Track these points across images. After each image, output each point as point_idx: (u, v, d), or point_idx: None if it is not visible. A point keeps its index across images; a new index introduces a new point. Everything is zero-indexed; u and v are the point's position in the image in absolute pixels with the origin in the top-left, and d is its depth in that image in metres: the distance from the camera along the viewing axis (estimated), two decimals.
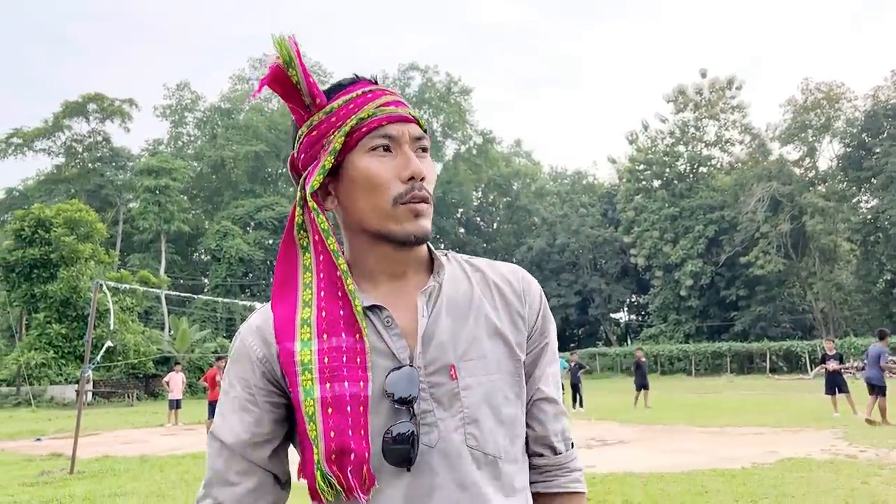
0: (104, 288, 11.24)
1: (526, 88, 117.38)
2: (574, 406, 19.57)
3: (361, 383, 1.08)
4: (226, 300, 31.76)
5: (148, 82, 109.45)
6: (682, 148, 53.85)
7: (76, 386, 35.19)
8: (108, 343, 12.45)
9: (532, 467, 1.23)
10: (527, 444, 1.22)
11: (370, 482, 1.07)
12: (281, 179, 62.27)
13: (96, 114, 56.65)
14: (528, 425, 1.22)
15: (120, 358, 33.43)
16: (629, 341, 54.65)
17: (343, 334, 1.10)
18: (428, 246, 1.23)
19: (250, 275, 52.50)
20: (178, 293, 34.83)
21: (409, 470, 1.09)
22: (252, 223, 54.81)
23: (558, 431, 1.24)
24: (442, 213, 64.45)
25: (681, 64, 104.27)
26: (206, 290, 52.44)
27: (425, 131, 1.18)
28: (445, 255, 1.27)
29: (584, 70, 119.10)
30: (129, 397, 34.71)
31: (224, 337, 45.92)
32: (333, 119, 1.14)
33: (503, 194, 66.86)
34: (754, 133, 51.90)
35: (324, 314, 1.11)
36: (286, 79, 1.12)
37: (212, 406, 14.47)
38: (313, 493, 1.10)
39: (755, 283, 47.88)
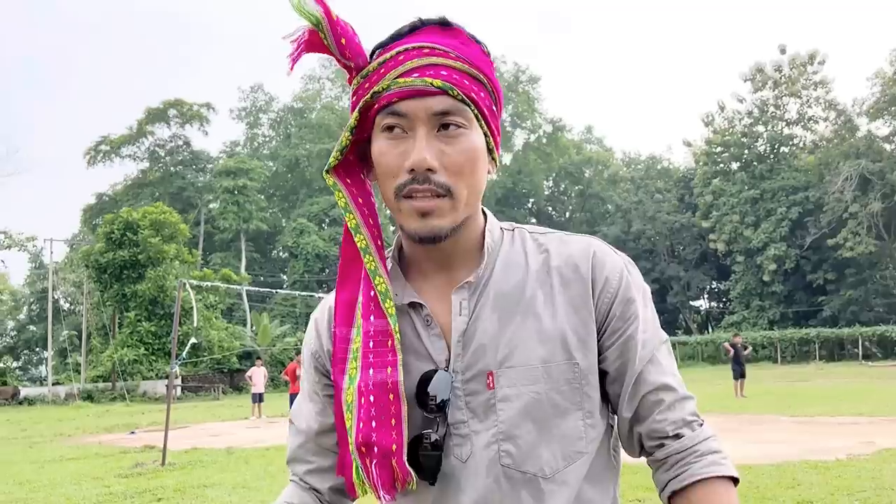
0: (187, 286, 11.64)
1: (596, 74, 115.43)
2: None
3: (389, 369, 1.00)
4: (304, 293, 32.49)
5: (224, 86, 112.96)
6: (761, 128, 51.88)
7: (166, 381, 36.75)
8: (193, 339, 12.88)
9: (658, 466, 1.05)
10: (642, 446, 1.06)
11: (403, 479, 0.98)
12: None
13: (176, 119, 58.84)
14: (640, 424, 1.05)
15: (205, 354, 34.71)
16: (710, 329, 53.16)
17: (372, 317, 1.02)
18: (486, 224, 1.08)
19: (327, 270, 53.57)
20: (258, 289, 35.82)
21: (432, 484, 0.99)
22: (327, 219, 55.89)
23: (678, 419, 1.04)
24: (512, 204, 64.12)
25: (757, 41, 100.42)
26: (284, 286, 53.83)
27: (466, 100, 0.98)
28: (512, 231, 1.11)
29: (656, 53, 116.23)
30: (214, 391, 35.97)
31: (303, 331, 47.02)
32: (367, 85, 1.01)
33: (575, 182, 65.99)
34: (839, 109, 49.51)
35: (371, 293, 1.03)
36: (321, 43, 1.00)
37: (293, 399, 14.83)
38: (350, 487, 1.03)
39: (844, 265, 45.79)
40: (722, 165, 52.31)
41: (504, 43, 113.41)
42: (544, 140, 66.06)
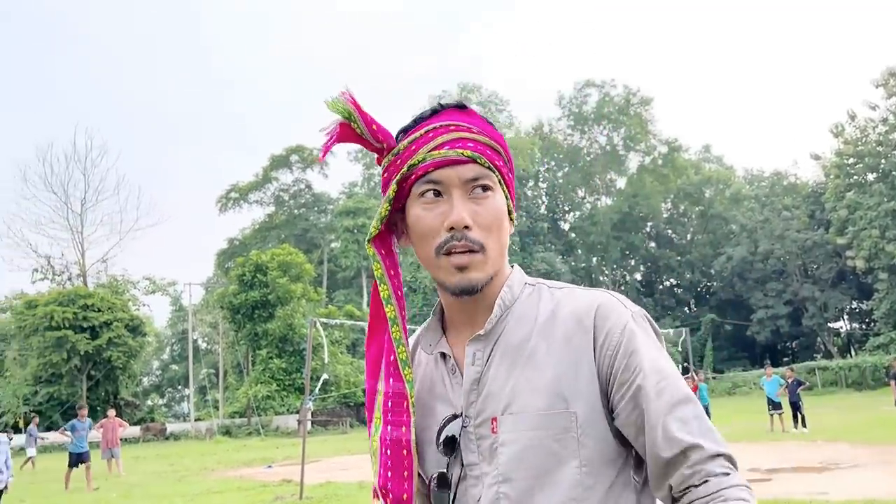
0: (318, 325, 12.14)
1: (711, 92, 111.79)
2: (796, 426, 18.03)
3: (403, 428, 1.13)
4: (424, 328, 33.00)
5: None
6: None
7: (297, 416, 38.20)
8: (325, 376, 13.34)
9: None
10: (672, 495, 1.06)
11: None
12: None
13: (298, 164, 61.89)
14: (668, 477, 1.05)
15: (333, 388, 35.82)
16: (852, 352, 49.51)
17: (391, 379, 1.16)
18: (508, 279, 1.18)
19: None
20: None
21: None
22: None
23: (707, 472, 1.03)
24: (629, 228, 62.73)
25: (885, 45, 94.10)
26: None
27: (491, 167, 1.13)
28: (533, 286, 1.20)
29: (774, 65, 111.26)
30: (342, 425, 36.96)
31: None
32: (398, 162, 1.15)
33: (695, 203, 63.77)
34: None
35: (392, 357, 1.17)
36: (353, 133, 1.16)
37: None
38: None
39: None
40: (856, 177, 49.02)
41: (614, 66, 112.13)
42: (660, 161, 64.43)
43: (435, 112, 1.18)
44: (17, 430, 34.46)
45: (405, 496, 1.13)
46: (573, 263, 63.53)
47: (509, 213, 1.18)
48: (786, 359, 48.08)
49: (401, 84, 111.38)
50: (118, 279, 49.69)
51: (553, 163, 67.34)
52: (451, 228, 1.09)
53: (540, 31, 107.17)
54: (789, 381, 19.21)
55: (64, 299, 39.03)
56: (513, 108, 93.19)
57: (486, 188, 1.13)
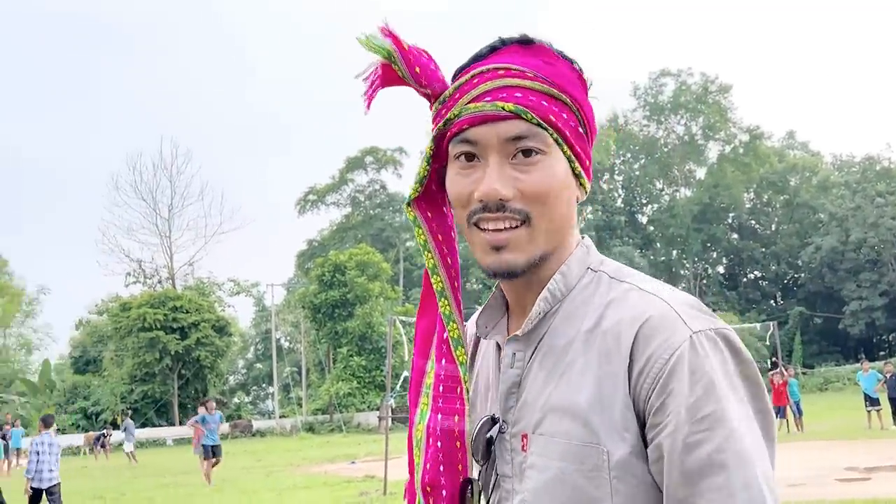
0: (397, 323, 12.31)
1: (794, 76, 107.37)
2: (895, 423, 17.16)
3: (456, 417, 0.96)
4: None
5: (412, 129, 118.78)
6: None
7: (378, 412, 38.84)
8: (405, 373, 13.49)
9: None
10: None
11: None
12: None
13: (373, 165, 62.88)
14: None
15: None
16: None
17: (444, 360, 0.99)
18: (566, 263, 0.96)
19: None
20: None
21: None
22: None
23: None
24: (710, 220, 60.96)
25: None
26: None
27: (543, 124, 0.91)
28: (596, 272, 0.96)
29: (859, 44, 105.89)
30: None
31: None
32: (443, 111, 0.95)
33: (779, 192, 61.39)
34: None
35: (444, 335, 1.00)
36: (397, 75, 0.97)
37: None
38: None
39: None
40: None
41: (690, 54, 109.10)
42: (741, 150, 62.31)
43: (494, 49, 0.95)
44: (115, 426, 36.33)
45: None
46: (652, 257, 62.19)
47: (579, 178, 0.96)
48: (882, 353, 45.72)
49: None
50: (204, 281, 51.72)
51: (629, 155, 66.08)
52: (482, 200, 0.90)
53: (611, 20, 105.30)
54: (888, 375, 18.28)
55: (155, 301, 40.91)
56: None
57: (532, 151, 0.91)
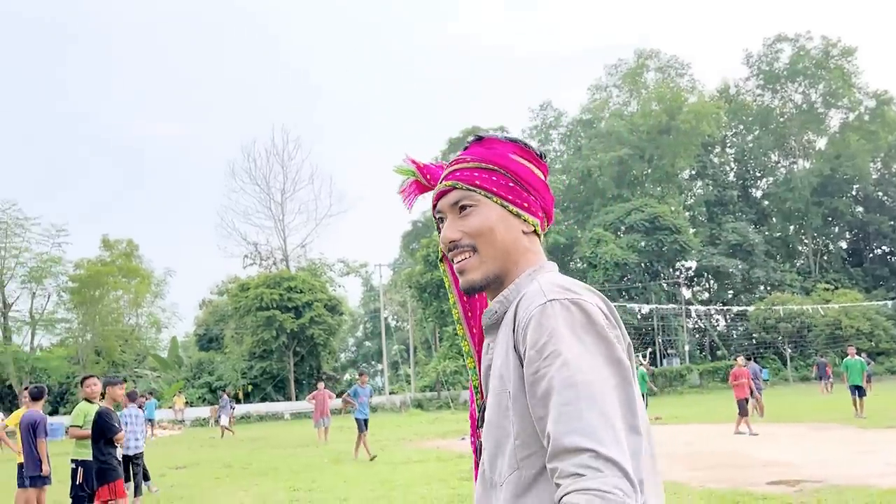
0: None
1: None
2: None
3: (470, 404, 1.48)
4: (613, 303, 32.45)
5: (514, 108, 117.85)
6: None
7: None
8: None
9: None
10: None
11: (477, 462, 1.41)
12: (647, 181, 61.83)
13: None
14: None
15: None
16: None
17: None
18: (522, 274, 1.35)
19: (626, 278, 52.97)
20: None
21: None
22: (622, 227, 55.34)
23: (554, 469, 1.08)
24: (832, 193, 57.51)
25: None
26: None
27: (467, 188, 1.36)
28: (533, 277, 1.33)
29: None
30: None
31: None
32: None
33: None
34: None
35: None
36: (423, 186, 1.54)
37: None
38: None
39: None
40: None
41: (808, 17, 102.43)
42: (866, 117, 58.28)
43: (465, 146, 1.44)
44: (237, 400, 38.46)
45: (477, 443, 1.41)
46: (767, 233, 59.39)
47: (520, 216, 1.36)
48: None
49: (582, 56, 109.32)
50: (316, 263, 53.59)
51: (741, 126, 63.12)
52: (445, 244, 1.38)
53: None
54: None
55: (271, 282, 42.80)
56: (694, 70, 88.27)
57: (466, 206, 1.36)
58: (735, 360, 20.29)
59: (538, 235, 1.40)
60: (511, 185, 1.36)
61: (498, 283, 1.34)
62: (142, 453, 10.81)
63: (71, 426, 7.55)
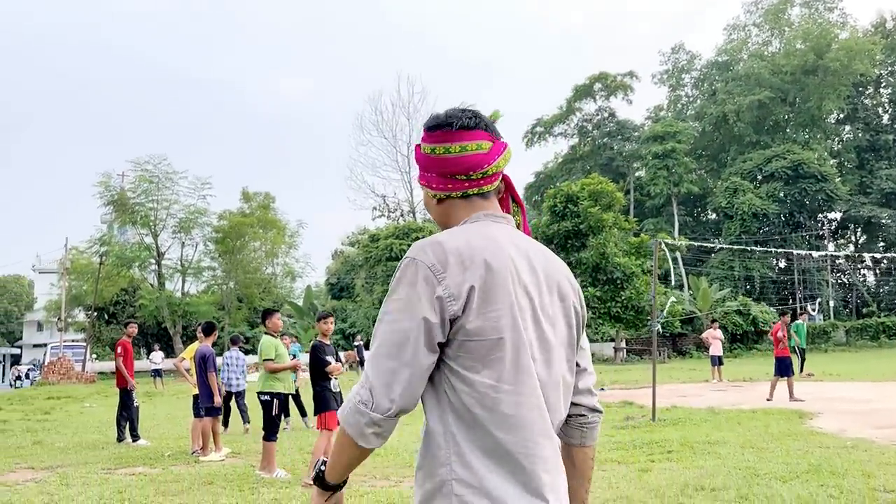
0: (663, 246, 11.88)
1: None
2: None
3: None
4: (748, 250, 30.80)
5: (645, 52, 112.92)
6: None
7: (612, 343, 38.64)
8: (673, 298, 13.11)
9: None
10: None
11: None
12: (790, 125, 57.78)
13: (602, 92, 60.94)
14: None
15: (648, 318, 35.35)
16: None
17: None
18: None
19: (764, 229, 50.14)
20: (697, 250, 35.03)
21: None
22: (761, 175, 52.19)
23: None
24: None
25: None
26: (716, 249, 51.92)
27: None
28: None
29: None
30: (660, 355, 36.51)
31: (744, 295, 44.84)
32: None
33: None
34: None
35: None
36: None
37: (780, 361, 13.87)
38: None
39: None
40: None
41: None
42: None
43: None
44: (367, 347, 39.81)
45: None
46: None
47: (435, 196, 1.69)
48: None
49: None
50: None
51: None
52: None
53: None
54: None
55: (399, 233, 43.62)
56: (846, 4, 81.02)
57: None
58: None
59: (469, 195, 1.65)
60: (420, 172, 1.71)
61: None
62: (244, 391, 11.45)
63: (265, 360, 7.75)
